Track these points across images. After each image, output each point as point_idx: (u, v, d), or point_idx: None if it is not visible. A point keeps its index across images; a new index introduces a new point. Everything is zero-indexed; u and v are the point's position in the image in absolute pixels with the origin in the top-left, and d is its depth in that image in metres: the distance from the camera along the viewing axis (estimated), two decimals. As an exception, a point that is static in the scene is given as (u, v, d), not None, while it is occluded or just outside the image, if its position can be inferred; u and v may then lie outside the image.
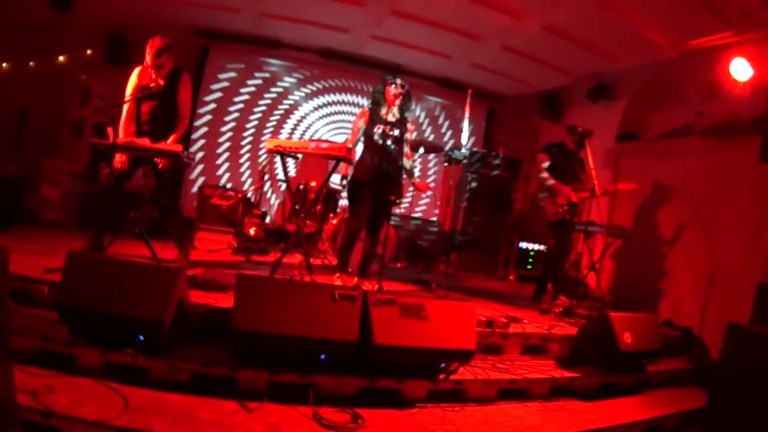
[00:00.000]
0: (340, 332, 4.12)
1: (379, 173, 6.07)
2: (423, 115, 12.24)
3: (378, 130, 6.10)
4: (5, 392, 2.82)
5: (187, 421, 3.35)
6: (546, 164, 7.40)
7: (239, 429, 3.39)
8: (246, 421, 3.52)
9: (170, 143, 5.66)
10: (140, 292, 3.89)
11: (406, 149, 6.33)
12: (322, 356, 4.15)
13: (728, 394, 5.08)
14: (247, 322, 3.91)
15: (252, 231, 8.30)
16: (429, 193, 11.33)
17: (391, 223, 9.11)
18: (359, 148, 6.26)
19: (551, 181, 7.27)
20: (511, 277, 7.93)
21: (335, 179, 6.69)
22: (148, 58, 5.70)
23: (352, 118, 6.88)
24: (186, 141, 9.77)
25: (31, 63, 9.19)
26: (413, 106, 6.57)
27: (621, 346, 5.35)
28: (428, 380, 4.46)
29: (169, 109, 5.88)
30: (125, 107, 5.77)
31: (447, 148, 10.20)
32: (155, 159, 5.70)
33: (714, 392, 5.26)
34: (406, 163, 6.33)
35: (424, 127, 12.26)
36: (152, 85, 5.69)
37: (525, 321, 6.03)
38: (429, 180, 12.10)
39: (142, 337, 3.94)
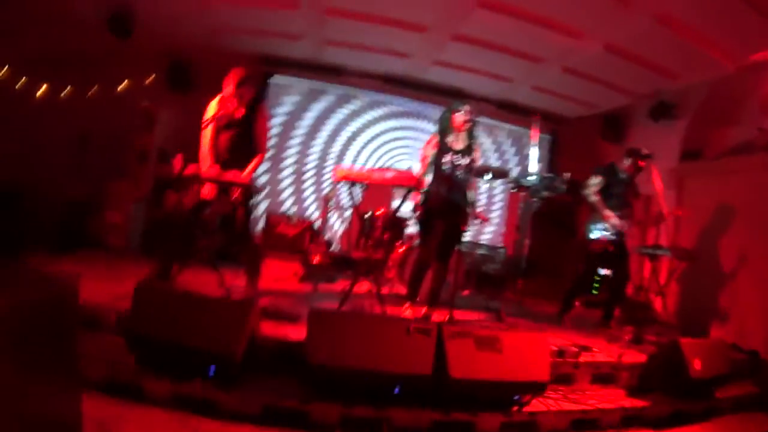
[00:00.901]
0: (414, 365, 4.15)
1: (449, 202, 6.08)
2: (487, 139, 12.28)
3: (447, 158, 6.11)
4: (73, 421, 2.82)
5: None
6: (597, 185, 7.23)
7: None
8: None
9: (248, 175, 5.77)
10: (211, 324, 3.97)
11: (472, 179, 6.32)
12: (396, 389, 4.17)
13: None
14: (320, 356, 3.96)
15: (318, 259, 8.44)
16: (490, 221, 11.32)
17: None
18: (428, 177, 6.26)
19: (606, 211, 7.11)
20: (577, 303, 7.94)
21: (407, 207, 6.75)
22: (230, 88, 5.77)
23: (413, 143, 6.93)
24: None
25: (93, 89, 9.40)
26: (479, 133, 6.61)
27: (692, 372, 5.32)
28: (502, 412, 4.46)
29: (247, 139, 5.92)
30: (205, 135, 5.83)
31: (513, 173, 10.22)
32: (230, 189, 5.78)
33: None
34: (470, 194, 6.32)
35: (488, 151, 12.30)
36: (233, 114, 5.80)
37: (595, 349, 6.00)
38: (495, 206, 12.16)
39: (213, 369, 4.00)
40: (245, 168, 5.83)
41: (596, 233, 7.21)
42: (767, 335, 7.24)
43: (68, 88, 9.43)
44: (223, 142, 5.89)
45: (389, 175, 5.80)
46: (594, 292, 8.57)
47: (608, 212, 7.08)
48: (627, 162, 7.28)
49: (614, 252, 7.22)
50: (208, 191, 5.76)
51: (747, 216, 8.01)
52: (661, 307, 8.15)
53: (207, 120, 5.79)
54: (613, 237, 7.13)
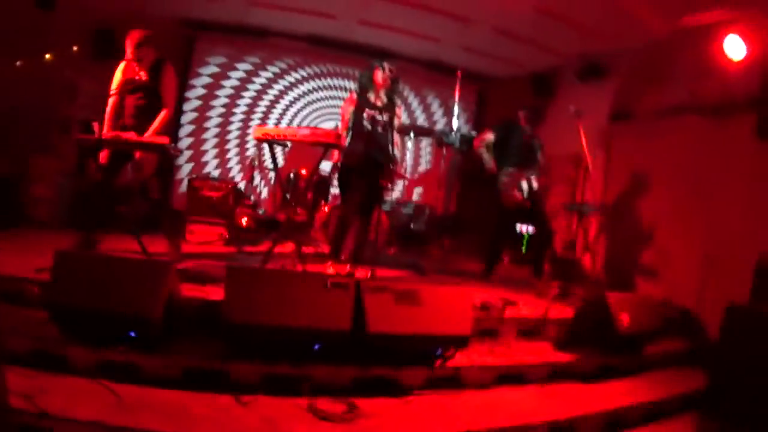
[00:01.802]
0: (333, 321, 4.08)
1: (369, 159, 6.02)
2: (414, 99, 12.20)
3: (367, 115, 6.04)
4: None
5: (181, 418, 3.28)
6: (489, 141, 7.36)
7: (235, 424, 3.33)
8: (241, 415, 3.46)
9: (152, 134, 5.65)
10: (130, 288, 3.83)
11: (394, 136, 6.24)
12: (316, 346, 4.11)
13: (728, 374, 5.10)
14: (238, 314, 3.87)
15: (243, 221, 8.24)
16: (408, 178, 11.28)
17: (383, 208, 9.08)
18: (349, 135, 6.19)
19: (489, 163, 7.26)
20: (505, 260, 7.92)
21: (326, 166, 6.63)
22: (128, 51, 5.69)
23: (341, 104, 6.82)
24: (174, 133, 9.69)
25: (17, 62, 9.06)
26: (402, 90, 6.55)
27: (619, 327, 5.32)
28: (425, 367, 4.42)
29: (154, 102, 5.83)
30: (110, 102, 5.76)
31: (437, 131, 10.13)
32: (141, 152, 5.66)
33: (714, 373, 5.28)
34: (392, 151, 6.22)
35: (415, 111, 12.21)
36: (136, 78, 5.71)
37: (520, 304, 6.00)
38: (422, 164, 12.09)
39: (133, 334, 3.87)
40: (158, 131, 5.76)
41: (504, 186, 7.31)
42: (698, 293, 7.27)
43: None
44: (131, 106, 5.81)
45: (307, 132, 5.64)
46: (523, 249, 8.55)
47: (493, 165, 7.28)
48: (523, 114, 7.46)
49: (530, 209, 7.34)
50: (106, 157, 5.70)
51: (676, 177, 8.06)
52: (589, 263, 8.17)
53: (114, 86, 5.77)
54: (526, 193, 7.23)
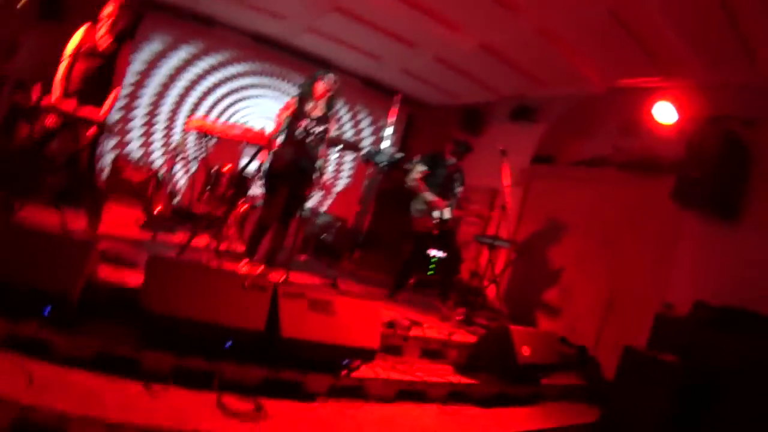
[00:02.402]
0: (247, 321, 4.13)
1: (296, 167, 6.06)
2: (345, 111, 12.26)
3: (301, 124, 6.07)
4: None
5: (92, 403, 3.27)
6: (419, 170, 7.46)
7: (144, 412, 3.34)
8: (150, 404, 3.47)
9: (98, 110, 5.49)
10: (49, 263, 3.78)
11: (323, 147, 6.32)
12: (229, 343, 4.13)
13: (621, 411, 5.45)
14: (155, 303, 3.87)
15: (159, 209, 8.15)
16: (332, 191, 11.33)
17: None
18: (280, 139, 6.22)
19: (429, 195, 7.34)
20: (411, 281, 8.07)
21: (253, 166, 6.62)
22: (109, 10, 5.51)
23: (273, 103, 6.77)
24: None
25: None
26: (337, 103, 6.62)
27: (519, 358, 5.53)
28: (331, 375, 4.51)
29: (106, 72, 5.64)
30: (62, 66, 5.50)
31: (365, 147, 10.22)
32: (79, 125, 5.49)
33: (607, 409, 5.62)
34: (318, 162, 6.30)
35: (344, 123, 12.30)
36: (97, 44, 5.52)
37: (426, 325, 6.11)
38: (342, 178, 12.22)
39: (48, 310, 3.80)
40: (100, 101, 5.56)
41: (418, 213, 7.44)
42: (597, 334, 7.56)
43: None
44: (80, 72, 5.57)
45: (241, 131, 5.65)
46: (430, 272, 8.71)
47: (431, 195, 7.33)
48: (451, 149, 7.60)
49: (440, 235, 7.47)
50: (54, 122, 5.43)
51: (588, 223, 8.38)
52: (494, 294, 8.39)
53: (70, 49, 5.49)
54: (437, 220, 7.34)
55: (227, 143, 6.42)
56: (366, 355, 4.67)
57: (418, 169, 7.43)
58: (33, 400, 3.06)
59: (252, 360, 4.19)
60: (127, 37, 5.80)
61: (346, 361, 4.63)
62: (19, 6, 7.88)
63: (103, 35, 5.55)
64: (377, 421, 4.27)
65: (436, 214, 7.31)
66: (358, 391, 4.63)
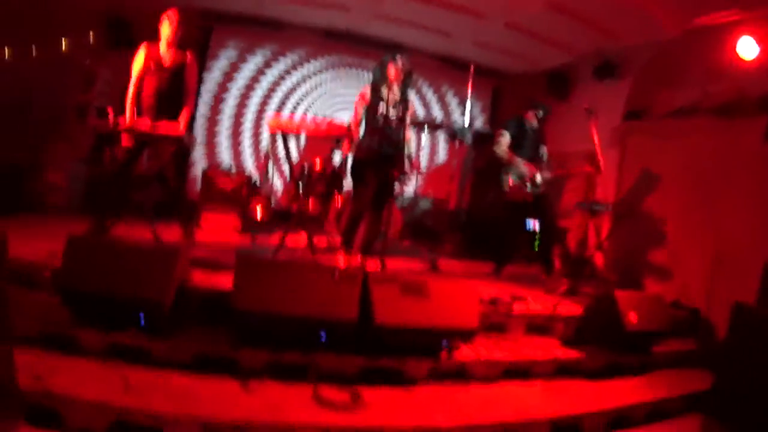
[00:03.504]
0: (340, 311, 4.13)
1: (381, 154, 6.02)
2: (430, 92, 12.19)
3: (380, 110, 6.02)
4: (7, 377, 2.84)
5: (188, 400, 3.35)
6: (506, 140, 7.35)
7: (239, 408, 3.38)
8: (246, 400, 3.51)
9: (176, 125, 5.66)
10: (140, 273, 3.90)
11: (406, 130, 6.24)
12: (323, 335, 4.15)
13: (734, 376, 5.05)
14: (246, 301, 3.93)
15: (258, 212, 8.29)
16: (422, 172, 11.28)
17: (398, 202, 9.10)
18: (362, 129, 6.20)
19: (522, 167, 7.26)
20: (518, 256, 7.96)
21: (337, 158, 6.64)
22: (167, 31, 5.73)
23: (356, 93, 6.82)
24: (189, 122, 9.77)
25: (33, 49, 9.09)
26: (415, 84, 6.57)
27: (627, 326, 5.33)
28: (430, 359, 4.46)
29: (177, 88, 5.85)
30: (130, 89, 5.74)
31: (450, 125, 10.13)
32: (159, 141, 5.68)
33: (719, 375, 5.24)
34: (405, 146, 6.23)
35: (431, 105, 12.22)
36: (162, 59, 5.73)
37: (529, 300, 6.01)
38: (438, 159, 12.13)
39: (143, 318, 3.93)
40: (175, 115, 5.76)
41: (509, 181, 7.36)
42: (708, 294, 7.23)
43: (6, 50, 9.05)
44: (152, 89, 5.78)
45: (321, 125, 5.67)
46: (535, 247, 8.55)
47: (522, 164, 7.26)
48: (537, 114, 7.49)
49: (534, 202, 7.37)
50: (130, 143, 5.66)
51: (688, 177, 8.00)
52: (601, 262, 8.15)
53: (135, 71, 5.75)
54: (529, 188, 7.27)
55: (316, 140, 6.46)
56: (465, 335, 4.61)
57: (503, 141, 7.33)
58: (129, 403, 3.16)
59: (348, 350, 4.19)
60: (186, 52, 5.94)
61: (445, 343, 4.56)
62: (87, 40, 8.21)
63: (165, 51, 5.75)
64: (480, 403, 4.18)
65: (529, 182, 7.20)
66: (459, 373, 4.55)
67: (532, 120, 7.45)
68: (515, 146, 7.32)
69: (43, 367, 3.33)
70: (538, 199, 7.34)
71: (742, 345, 5.07)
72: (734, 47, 6.78)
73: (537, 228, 7.86)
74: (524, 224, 7.79)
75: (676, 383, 5.55)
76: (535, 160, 7.37)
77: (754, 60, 6.69)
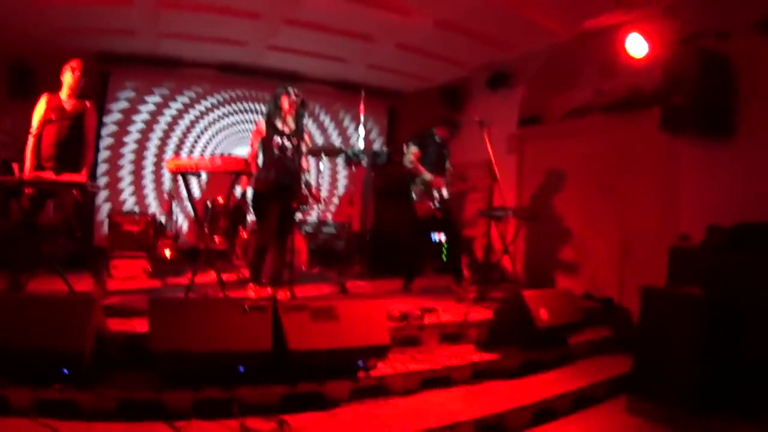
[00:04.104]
0: (255, 342, 4.18)
1: (279, 185, 6.10)
2: (328, 119, 12.32)
3: (276, 142, 6.12)
4: None
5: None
6: (415, 153, 7.49)
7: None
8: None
9: (79, 174, 5.64)
10: (58, 325, 3.88)
11: (303, 160, 6.34)
12: (241, 368, 4.19)
13: (650, 354, 5.31)
14: (163, 343, 3.95)
15: (167, 253, 8.19)
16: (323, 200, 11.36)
17: (305, 229, 9.11)
18: (260, 161, 6.28)
19: (428, 175, 7.39)
20: (428, 270, 8.07)
21: (237, 193, 6.65)
22: (69, 80, 5.72)
23: (252, 127, 6.88)
24: (91, 169, 9.59)
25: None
26: (310, 113, 6.63)
27: (537, 322, 5.51)
28: (349, 379, 4.52)
29: (76, 135, 5.81)
30: (30, 140, 5.68)
31: (352, 149, 10.21)
32: (63, 191, 5.62)
33: (637, 355, 5.48)
34: (303, 175, 6.33)
35: (329, 131, 12.34)
36: (64, 106, 5.71)
37: (440, 310, 6.11)
38: (338, 183, 12.30)
39: (66, 370, 3.89)
40: (75, 165, 5.75)
41: (419, 197, 7.50)
42: (618, 282, 7.57)
43: None
44: (53, 138, 5.74)
45: (218, 161, 5.70)
46: (443, 258, 8.68)
47: (428, 175, 7.39)
48: (443, 129, 7.65)
49: (442, 218, 7.52)
50: (33, 193, 5.61)
51: (588, 174, 8.35)
52: (509, 266, 8.33)
53: (36, 121, 5.71)
54: (437, 203, 7.42)
55: (218, 177, 6.44)
56: (378, 352, 4.71)
57: (412, 150, 7.48)
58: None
59: (267, 380, 4.23)
60: (86, 100, 5.92)
61: (361, 362, 4.65)
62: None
63: (67, 99, 5.72)
64: (403, 415, 4.27)
65: (435, 193, 7.34)
66: (379, 389, 4.63)
67: (443, 135, 7.62)
68: (422, 159, 7.47)
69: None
70: (443, 212, 7.49)
71: (653, 324, 5.35)
72: (623, 46, 7.07)
73: (443, 240, 8.00)
74: (430, 238, 7.92)
75: (598, 370, 5.81)
76: (440, 172, 7.52)
77: (644, 57, 6.98)
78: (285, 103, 6.12)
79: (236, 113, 11.59)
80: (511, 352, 5.54)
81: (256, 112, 11.63)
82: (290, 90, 6.16)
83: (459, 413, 4.36)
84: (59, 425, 3.52)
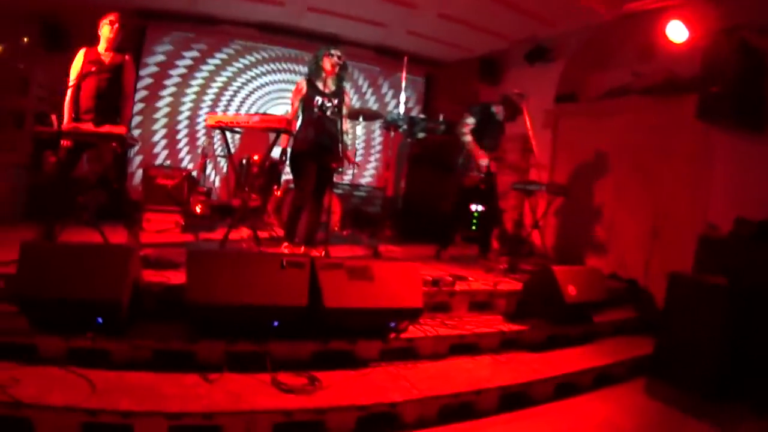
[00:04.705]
0: (290, 298, 4.22)
1: (318, 145, 6.12)
2: (366, 84, 12.29)
3: (316, 102, 6.14)
4: None
5: (152, 397, 3.41)
6: (470, 125, 7.35)
7: (202, 400, 3.45)
8: (208, 392, 3.59)
9: (118, 125, 5.62)
10: (95, 274, 3.89)
11: (342, 121, 6.31)
12: (275, 323, 4.25)
13: (673, 339, 5.39)
14: (200, 295, 3.99)
15: (198, 209, 8.27)
16: (358, 162, 11.37)
17: (338, 192, 9.16)
18: (299, 121, 6.30)
19: (472, 146, 7.28)
20: (457, 238, 8.09)
21: (276, 152, 6.69)
22: (107, 34, 5.71)
23: (291, 88, 6.88)
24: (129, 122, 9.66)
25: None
26: (349, 76, 6.63)
27: (566, 298, 5.53)
28: (380, 340, 4.59)
29: (115, 90, 5.81)
30: (69, 92, 5.68)
31: (389, 115, 10.21)
32: (102, 144, 5.64)
33: (660, 339, 5.57)
34: (342, 137, 6.29)
35: (367, 95, 12.31)
36: (102, 59, 5.69)
37: (471, 279, 6.14)
38: (374, 148, 12.28)
39: (101, 320, 3.93)
40: (115, 117, 5.73)
41: (465, 166, 7.44)
42: (645, 265, 7.56)
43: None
44: (91, 91, 5.71)
45: (260, 119, 5.71)
46: (473, 227, 8.70)
47: (479, 152, 7.25)
48: (501, 107, 7.48)
49: (485, 189, 7.46)
50: (70, 144, 5.59)
51: (622, 155, 8.31)
52: (538, 240, 8.36)
53: (74, 73, 5.67)
54: (483, 175, 7.31)
55: (253, 134, 6.49)
56: (411, 315, 4.76)
57: (467, 121, 7.35)
58: (97, 404, 3.19)
59: (301, 336, 4.30)
60: (124, 53, 5.93)
61: (393, 324, 4.70)
62: (21, 43, 8.00)
63: (104, 52, 5.73)
64: (431, 378, 4.33)
65: (482, 163, 7.24)
66: (409, 352, 4.70)
67: (498, 113, 7.49)
68: (478, 132, 7.34)
69: (5, 377, 3.34)
70: (488, 185, 7.46)
71: (679, 310, 5.43)
72: (664, 31, 7.01)
73: (477, 210, 8.00)
74: (470, 208, 7.94)
75: (620, 350, 5.84)
76: (495, 148, 7.48)
77: (683, 43, 6.93)
78: (327, 64, 6.14)
79: (272, 73, 11.54)
80: (538, 325, 5.60)
81: (294, 73, 11.58)
82: (333, 51, 6.17)
83: (485, 380, 4.43)
84: (90, 374, 3.57)
